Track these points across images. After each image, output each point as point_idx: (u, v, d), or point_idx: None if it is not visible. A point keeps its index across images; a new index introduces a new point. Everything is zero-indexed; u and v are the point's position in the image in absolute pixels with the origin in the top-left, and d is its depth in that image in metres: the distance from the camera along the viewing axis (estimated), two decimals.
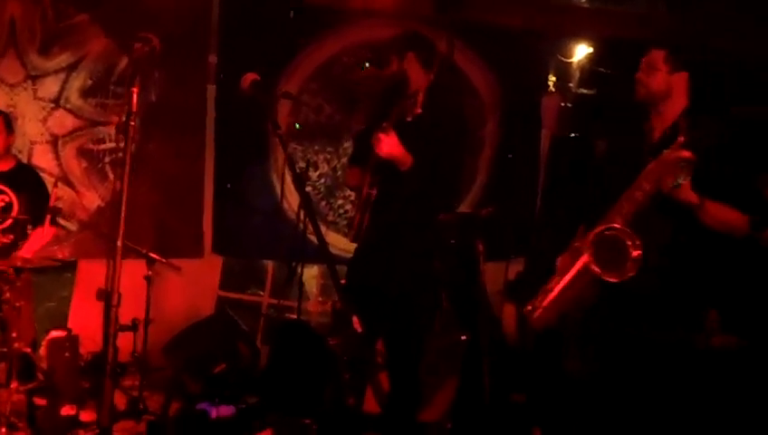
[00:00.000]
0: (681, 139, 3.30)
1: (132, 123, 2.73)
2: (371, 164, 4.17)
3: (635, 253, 3.31)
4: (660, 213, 3.42)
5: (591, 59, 7.07)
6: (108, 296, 2.55)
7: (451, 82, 6.41)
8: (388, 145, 4.01)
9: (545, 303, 3.71)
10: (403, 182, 4.07)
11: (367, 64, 6.23)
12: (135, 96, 2.73)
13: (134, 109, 2.72)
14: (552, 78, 7.23)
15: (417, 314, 4.30)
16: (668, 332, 3.55)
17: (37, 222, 4.96)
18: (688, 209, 3.37)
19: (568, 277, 3.60)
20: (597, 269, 3.40)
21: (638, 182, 3.39)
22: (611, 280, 3.38)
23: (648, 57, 3.66)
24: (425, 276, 4.32)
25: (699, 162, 3.25)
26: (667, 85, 3.61)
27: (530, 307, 3.81)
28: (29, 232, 4.98)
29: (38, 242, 5.03)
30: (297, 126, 6.20)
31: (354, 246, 4.35)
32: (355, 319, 3.28)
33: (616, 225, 3.39)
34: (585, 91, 7.17)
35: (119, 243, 2.55)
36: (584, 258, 3.47)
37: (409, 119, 4.06)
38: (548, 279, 3.79)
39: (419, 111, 4.03)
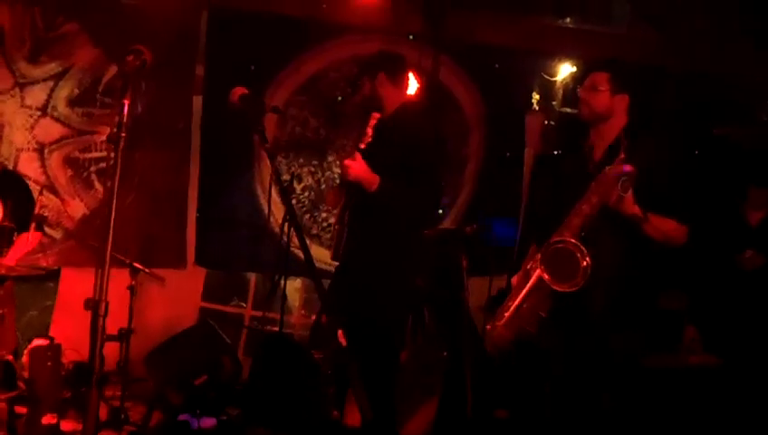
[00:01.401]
0: (622, 155, 3.40)
1: (123, 135, 2.74)
2: (345, 186, 4.24)
3: (584, 262, 3.41)
4: (608, 227, 3.52)
5: (575, 78, 7.13)
6: (96, 306, 2.56)
7: (435, 99, 6.45)
8: (354, 169, 4.08)
9: (502, 321, 3.78)
10: (373, 203, 4.13)
11: (340, 98, 6.29)
12: (126, 108, 2.75)
13: (125, 120, 2.73)
14: (536, 96, 7.28)
15: (389, 330, 4.34)
16: (618, 346, 3.63)
17: (23, 229, 4.96)
18: (633, 222, 3.48)
19: (523, 293, 3.69)
20: (548, 278, 3.50)
21: (586, 197, 3.51)
22: (564, 290, 3.48)
23: (592, 78, 3.78)
24: (399, 293, 4.35)
25: (640, 177, 3.35)
26: (609, 106, 3.73)
27: (489, 327, 3.90)
28: (14, 238, 4.98)
29: (23, 248, 5.02)
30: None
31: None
32: (340, 333, 3.30)
33: (564, 237, 3.49)
34: (568, 109, 7.22)
35: (107, 252, 2.56)
36: (537, 272, 3.55)
37: (362, 146, 4.15)
38: (507, 298, 3.88)
39: (369, 139, 4.14)
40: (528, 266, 3.77)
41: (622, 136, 3.50)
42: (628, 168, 3.35)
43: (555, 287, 3.50)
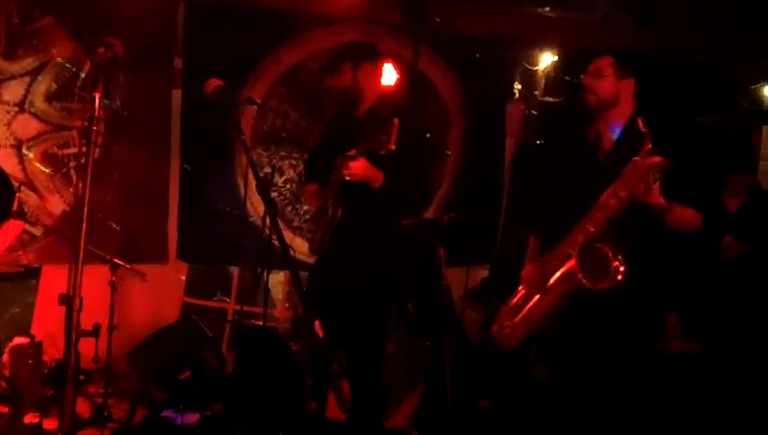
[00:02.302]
0: (649, 145, 3.36)
1: (95, 128, 2.71)
2: (335, 184, 4.21)
3: (615, 262, 3.37)
4: (626, 218, 3.48)
5: (556, 67, 7.13)
6: (69, 301, 2.54)
7: (414, 88, 6.44)
8: (360, 170, 4.05)
9: (518, 319, 3.72)
10: (375, 197, 4.11)
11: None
12: (98, 100, 2.73)
13: (97, 113, 2.71)
14: (518, 86, 7.29)
15: (377, 321, 4.34)
16: (629, 335, 3.60)
17: (2, 219, 4.91)
18: (656, 212, 3.44)
19: (546, 290, 3.62)
20: (584, 280, 3.43)
21: (613, 190, 3.44)
22: (596, 288, 3.41)
23: (596, 64, 3.72)
24: (385, 285, 4.35)
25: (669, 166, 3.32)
26: (615, 91, 3.68)
27: (495, 327, 3.82)
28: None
29: (4, 241, 4.98)
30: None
31: None
32: (317, 324, 3.30)
33: (596, 235, 3.45)
34: (550, 98, 7.23)
35: (80, 247, 2.54)
36: (567, 267, 3.50)
37: (383, 153, 4.01)
38: (511, 294, 3.82)
39: (393, 147, 3.94)
40: (546, 260, 3.70)
41: (641, 124, 3.44)
42: (658, 159, 3.31)
43: (588, 284, 3.44)
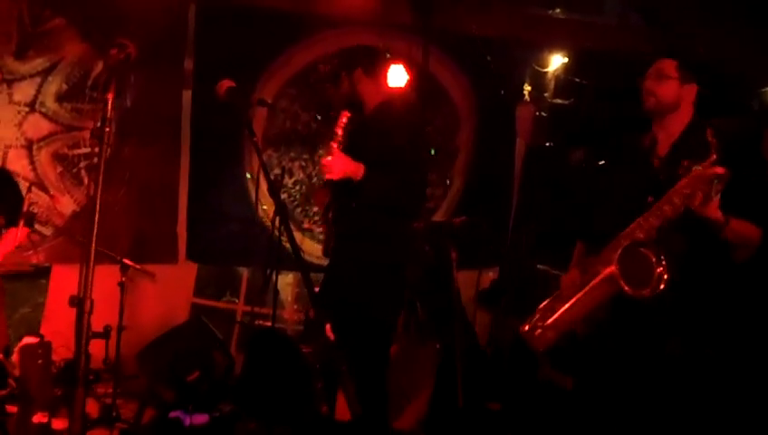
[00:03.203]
0: (714, 156, 3.25)
1: (107, 129, 2.71)
2: (328, 185, 4.23)
3: (659, 269, 3.27)
4: (679, 228, 3.37)
5: (567, 69, 7.12)
6: (80, 303, 2.54)
7: (424, 89, 6.43)
8: (337, 166, 4.06)
9: (550, 321, 3.63)
10: (360, 192, 4.10)
11: (318, 118, 6.32)
12: (110, 102, 2.72)
13: (109, 115, 2.71)
14: (528, 87, 7.27)
15: (379, 324, 4.33)
16: (671, 343, 3.51)
17: (10, 224, 4.93)
18: (713, 226, 3.32)
19: (580, 294, 3.54)
20: (625, 286, 3.32)
21: (668, 197, 3.34)
22: (637, 296, 3.31)
23: (659, 66, 3.59)
24: (387, 286, 4.34)
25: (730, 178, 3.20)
26: (677, 96, 3.55)
27: (527, 326, 3.73)
28: (2, 233, 4.95)
29: (10, 244, 4.99)
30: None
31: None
32: (328, 327, 3.29)
33: (643, 240, 3.34)
34: (560, 101, 7.22)
35: (92, 248, 2.54)
36: (607, 271, 3.39)
37: (335, 145, 4.10)
38: (547, 297, 3.74)
39: (340, 138, 4.10)
40: (589, 265, 3.60)
41: (710, 134, 3.30)
42: (721, 170, 3.18)
43: (629, 291, 3.33)
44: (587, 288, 3.51)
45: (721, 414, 4.62)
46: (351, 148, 4.13)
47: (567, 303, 3.58)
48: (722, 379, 4.90)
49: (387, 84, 4.42)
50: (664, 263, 3.26)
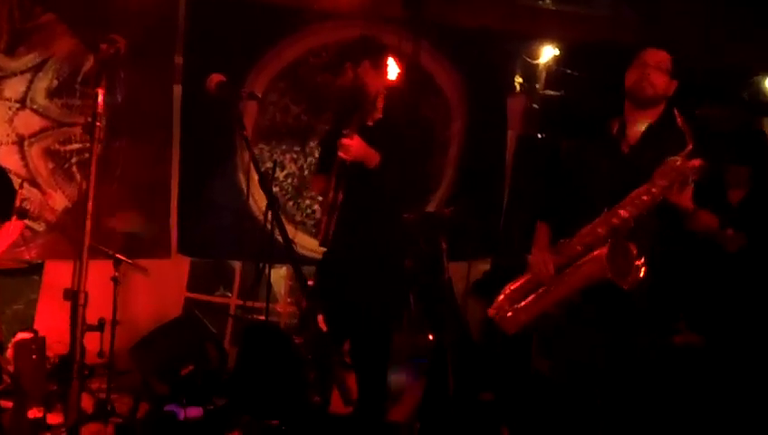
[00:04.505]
0: (690, 146, 3.31)
1: (98, 124, 2.73)
2: (336, 168, 4.21)
3: (638, 262, 3.34)
4: (650, 217, 3.43)
5: (558, 61, 7.13)
6: (75, 296, 2.55)
7: (415, 82, 6.43)
8: (355, 148, 4.04)
9: (522, 304, 3.66)
10: (373, 180, 4.10)
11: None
12: (101, 97, 2.74)
13: (100, 109, 2.72)
14: (519, 79, 7.29)
15: (385, 314, 4.33)
16: (644, 332, 3.56)
17: (3, 218, 4.93)
18: (681, 214, 3.40)
19: (562, 276, 3.56)
20: (610, 275, 3.37)
21: (647, 187, 3.38)
22: (619, 284, 3.37)
23: (657, 56, 3.59)
24: (393, 276, 4.35)
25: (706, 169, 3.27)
26: (666, 89, 3.59)
27: (494, 310, 3.78)
28: None
29: (5, 240, 4.99)
30: None
31: (323, 249, 4.39)
32: (320, 318, 3.31)
33: (621, 229, 3.39)
34: (551, 92, 7.24)
35: (85, 242, 2.55)
36: (597, 256, 3.42)
37: (370, 123, 4.08)
38: (513, 279, 3.79)
39: (380, 115, 4.05)
40: (561, 248, 3.62)
41: (683, 123, 3.37)
42: (698, 162, 3.26)
43: (613, 279, 3.38)
44: (564, 274, 3.55)
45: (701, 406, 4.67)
46: (367, 135, 4.11)
47: (539, 287, 3.61)
48: (697, 371, 4.94)
49: (388, 78, 4.43)
50: (643, 257, 3.34)
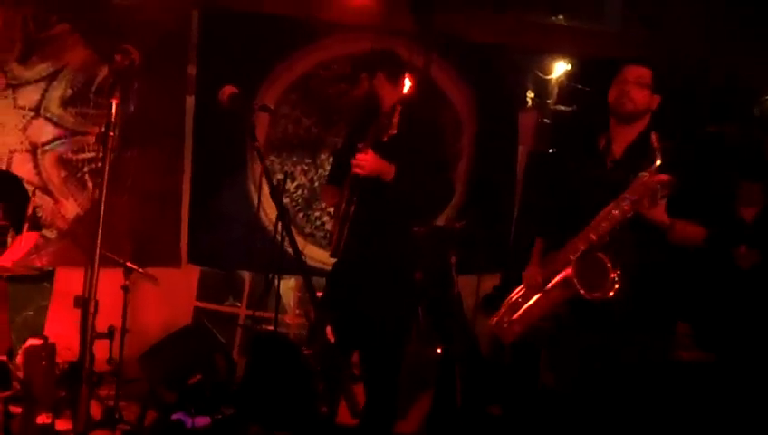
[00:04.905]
0: (658, 162, 3.37)
1: (111, 134, 2.75)
2: (348, 181, 4.21)
3: (613, 274, 3.41)
4: (630, 230, 3.50)
5: (569, 76, 7.14)
6: (85, 304, 2.57)
7: (426, 96, 6.44)
8: (369, 164, 4.04)
9: (516, 316, 3.76)
10: (386, 193, 4.10)
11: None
12: (114, 107, 2.76)
13: (113, 120, 2.74)
14: (531, 94, 7.30)
15: (395, 326, 4.33)
16: (635, 345, 3.60)
17: (18, 229, 4.96)
18: (658, 229, 3.46)
19: (542, 292, 3.68)
20: (581, 289, 3.47)
21: (618, 203, 3.47)
22: (591, 298, 3.46)
23: (638, 72, 3.66)
24: (404, 289, 4.35)
25: (676, 184, 3.35)
26: (648, 104, 3.65)
27: (495, 319, 3.88)
28: (9, 239, 4.99)
29: (19, 250, 5.03)
30: None
31: (333, 260, 4.39)
32: (329, 329, 3.31)
33: (597, 243, 3.48)
34: (563, 107, 7.24)
35: (96, 250, 2.57)
36: (565, 274, 3.55)
37: (385, 139, 4.05)
38: (511, 292, 3.87)
39: (395, 131, 4.00)
40: (548, 262, 3.75)
41: (655, 139, 3.42)
42: (665, 177, 3.34)
43: (584, 294, 3.47)
44: (547, 287, 3.67)
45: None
46: (382, 149, 4.11)
47: (529, 299, 3.75)
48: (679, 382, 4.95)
49: (404, 90, 4.43)
50: (618, 270, 3.41)
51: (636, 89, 3.62)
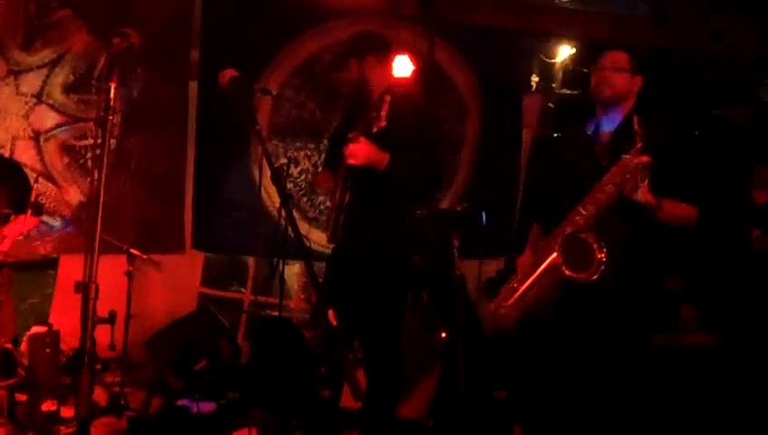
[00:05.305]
0: (639, 144, 3.40)
1: (110, 118, 2.73)
2: (342, 169, 4.20)
3: (600, 255, 3.42)
4: (618, 212, 3.53)
5: (574, 59, 7.11)
6: (85, 288, 2.56)
7: (430, 79, 6.42)
8: (362, 154, 4.03)
9: (510, 301, 3.79)
10: (380, 181, 4.09)
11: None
12: (113, 91, 2.74)
13: (111, 103, 2.73)
14: (535, 78, 7.27)
15: (390, 312, 4.34)
16: (627, 331, 3.63)
17: (19, 212, 4.96)
18: (646, 209, 3.48)
19: (533, 276, 3.71)
20: (566, 269, 3.51)
21: (601, 185, 3.51)
22: (578, 279, 3.48)
23: (613, 57, 3.73)
24: (398, 275, 4.35)
25: (655, 164, 3.37)
26: (628, 87, 3.71)
27: (493, 306, 3.90)
28: (11, 220, 4.97)
29: (18, 230, 5.01)
30: None
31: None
32: (330, 312, 3.31)
33: (582, 227, 3.51)
34: (568, 91, 7.21)
35: (96, 234, 2.56)
36: (552, 258, 3.58)
37: (375, 131, 4.04)
38: (511, 278, 3.89)
39: (384, 123, 4.00)
40: (539, 248, 3.79)
41: (636, 123, 3.45)
42: (645, 158, 3.36)
43: (570, 275, 3.51)
44: (537, 272, 3.70)
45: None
46: (373, 138, 4.08)
47: (523, 284, 3.77)
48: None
49: (393, 72, 4.42)
50: (605, 249, 3.42)
51: (613, 74, 3.69)
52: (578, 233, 3.50)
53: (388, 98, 4.01)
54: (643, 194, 3.42)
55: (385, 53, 4.35)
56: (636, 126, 3.44)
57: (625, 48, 3.76)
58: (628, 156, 3.42)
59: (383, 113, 3.99)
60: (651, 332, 4.01)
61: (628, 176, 3.40)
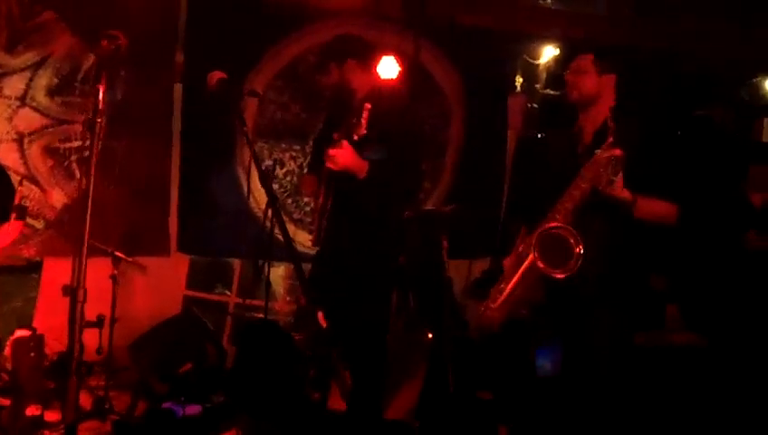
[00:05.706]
0: (610, 139, 3.46)
1: (99, 121, 2.72)
2: (324, 174, 4.21)
3: (577, 249, 3.46)
4: (597, 209, 3.57)
5: (558, 60, 7.14)
6: (73, 292, 2.55)
7: (415, 81, 6.42)
8: (342, 158, 4.04)
9: (496, 304, 3.82)
10: (361, 187, 4.10)
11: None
12: (101, 93, 2.74)
13: (101, 106, 2.72)
14: (519, 79, 7.29)
15: (373, 315, 4.34)
16: (605, 330, 3.65)
17: (2, 218, 4.92)
18: (623, 205, 3.52)
19: (516, 277, 3.74)
20: (542, 265, 3.54)
21: (576, 182, 3.56)
22: (557, 276, 3.52)
23: (578, 61, 3.81)
24: (381, 278, 4.36)
25: (629, 160, 3.41)
26: (597, 87, 3.76)
27: (482, 308, 3.92)
28: None
29: (5, 239, 4.99)
30: None
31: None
32: (320, 314, 3.31)
33: (557, 223, 3.56)
34: (551, 91, 7.24)
35: (84, 239, 2.55)
36: (530, 257, 3.59)
37: (356, 138, 4.04)
38: (499, 280, 3.91)
39: (364, 131, 3.98)
40: (520, 249, 3.82)
41: (609, 119, 3.53)
42: (617, 152, 3.40)
43: (548, 273, 3.53)
44: (518, 273, 3.73)
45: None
46: (353, 145, 4.08)
47: (508, 285, 3.80)
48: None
49: (377, 75, 4.42)
50: (581, 243, 3.46)
51: (577, 77, 3.78)
52: (553, 229, 3.53)
53: (368, 105, 3.98)
54: (618, 189, 3.46)
55: (366, 56, 4.35)
56: (609, 122, 3.51)
57: (590, 50, 3.83)
58: (599, 151, 3.48)
59: (363, 121, 3.98)
60: (634, 330, 4.04)
61: (601, 170, 3.44)
